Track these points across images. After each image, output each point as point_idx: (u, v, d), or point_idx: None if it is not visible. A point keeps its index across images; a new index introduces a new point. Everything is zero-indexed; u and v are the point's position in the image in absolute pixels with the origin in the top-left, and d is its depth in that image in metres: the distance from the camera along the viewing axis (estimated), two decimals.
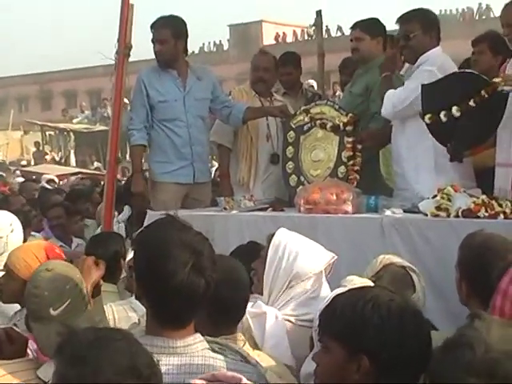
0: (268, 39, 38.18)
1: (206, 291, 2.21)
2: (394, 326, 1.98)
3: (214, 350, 2.29)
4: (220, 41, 42.15)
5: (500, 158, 4.55)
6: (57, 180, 13.43)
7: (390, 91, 4.81)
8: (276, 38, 38.70)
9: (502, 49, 5.18)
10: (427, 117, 4.46)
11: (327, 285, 3.31)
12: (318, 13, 7.25)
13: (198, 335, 2.26)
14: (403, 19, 4.89)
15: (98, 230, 6.15)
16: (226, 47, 41.02)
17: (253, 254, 3.55)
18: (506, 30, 4.56)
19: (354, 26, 5.48)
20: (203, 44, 42.33)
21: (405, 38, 4.83)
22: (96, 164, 19.73)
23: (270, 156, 5.72)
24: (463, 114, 4.34)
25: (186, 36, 5.65)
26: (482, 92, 4.26)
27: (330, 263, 3.31)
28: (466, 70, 4.48)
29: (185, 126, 5.51)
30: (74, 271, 2.75)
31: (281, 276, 3.15)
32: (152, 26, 5.55)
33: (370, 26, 5.45)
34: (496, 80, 4.24)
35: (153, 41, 5.54)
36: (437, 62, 4.71)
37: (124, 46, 5.52)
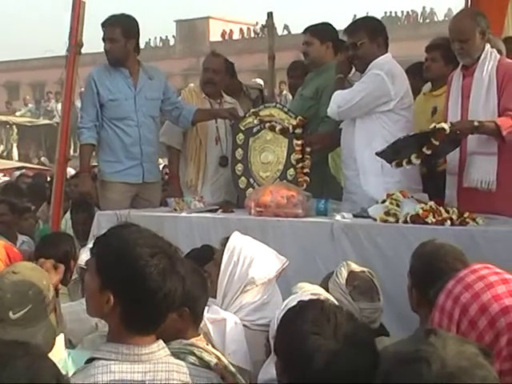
0: (215, 36, 38.12)
1: (179, 296, 2.21)
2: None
3: (175, 356, 2.29)
4: (166, 36, 41.94)
5: (448, 165, 4.70)
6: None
7: (338, 91, 4.88)
8: (223, 35, 38.66)
9: (455, 58, 5.28)
10: (393, 163, 4.52)
11: (278, 289, 3.35)
12: (270, 14, 7.29)
13: (161, 341, 2.25)
14: (350, 29, 4.97)
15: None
16: (172, 43, 40.82)
17: (206, 257, 3.58)
18: (457, 45, 4.65)
19: (305, 31, 5.54)
20: (149, 39, 42.04)
21: (353, 47, 4.91)
22: (43, 159, 19.44)
23: (219, 158, 5.73)
24: (422, 160, 4.47)
25: (138, 35, 5.62)
26: (433, 140, 4.34)
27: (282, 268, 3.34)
28: (411, 134, 4.54)
29: (135, 125, 5.49)
30: (40, 276, 2.72)
31: (235, 281, 3.16)
32: (103, 25, 5.51)
33: (320, 31, 5.51)
34: (444, 126, 4.33)
35: (103, 39, 5.50)
36: (384, 67, 4.78)
37: (75, 43, 5.46)
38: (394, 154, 4.47)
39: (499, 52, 5.11)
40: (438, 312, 2.09)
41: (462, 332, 1.99)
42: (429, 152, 4.40)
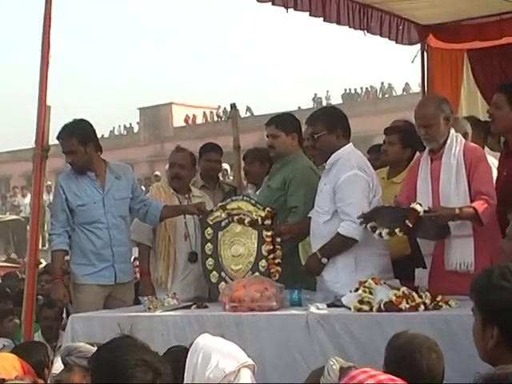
0: (178, 121, 38.49)
1: None
2: None
3: None
4: (130, 124, 42.27)
5: (422, 249, 4.77)
6: None
7: (347, 223, 4.81)
8: (186, 120, 39.05)
9: (412, 141, 5.41)
10: (385, 232, 4.61)
11: None
12: (233, 106, 7.37)
13: None
14: (309, 120, 5.09)
15: None
16: (136, 130, 41.11)
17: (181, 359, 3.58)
18: (422, 131, 4.79)
19: (269, 123, 5.59)
20: (113, 128, 42.36)
21: (312, 138, 5.02)
22: (12, 255, 19.24)
23: (188, 254, 5.76)
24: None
25: (95, 136, 5.67)
26: (406, 221, 4.45)
27: (246, 365, 3.29)
28: (386, 206, 4.72)
29: (105, 227, 5.51)
30: None
31: (197, 381, 3.15)
32: (58, 138, 5.55)
33: (285, 123, 5.57)
34: (417, 208, 4.45)
35: (63, 152, 5.55)
36: (353, 164, 4.89)
37: (41, 148, 5.50)
38: (372, 220, 4.61)
39: (465, 134, 5.31)
40: None
41: None
42: (401, 234, 4.53)
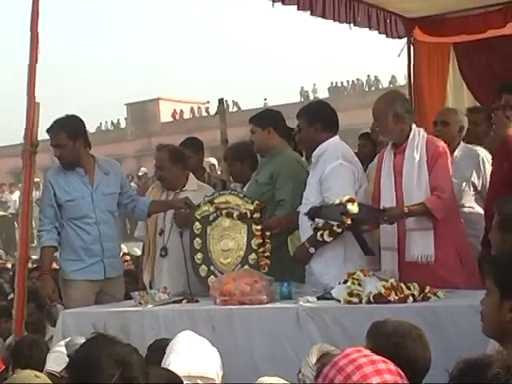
0: (165, 116, 38.48)
1: None
2: None
3: None
4: (118, 119, 42.21)
5: (385, 242, 4.87)
6: None
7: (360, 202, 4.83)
8: (173, 115, 39.03)
9: None
10: (326, 234, 4.80)
11: None
12: (221, 100, 7.39)
13: None
14: (296, 115, 5.29)
15: None
16: (123, 125, 41.05)
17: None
18: (374, 125, 5.04)
19: (250, 120, 5.71)
20: (100, 123, 42.32)
21: (298, 130, 5.30)
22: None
23: (160, 250, 5.81)
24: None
25: (84, 132, 5.68)
26: (343, 220, 4.62)
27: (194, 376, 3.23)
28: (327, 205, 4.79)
29: (94, 222, 5.52)
30: None
31: None
32: (48, 131, 5.56)
33: (260, 119, 5.68)
34: (353, 210, 4.57)
35: (52, 145, 5.55)
36: (338, 155, 4.99)
37: (30, 143, 5.50)
38: (317, 216, 4.77)
39: (461, 128, 5.38)
40: None
41: None
42: (339, 230, 4.73)
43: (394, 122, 4.84)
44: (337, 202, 4.64)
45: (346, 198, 4.61)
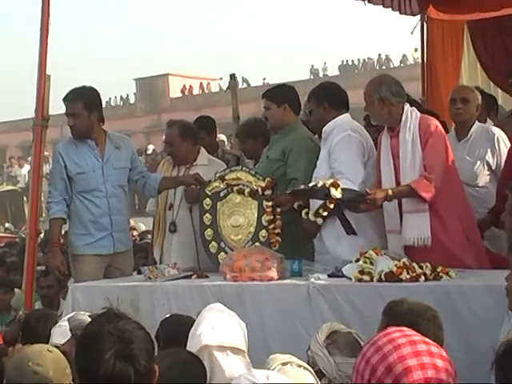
0: (175, 92, 38.32)
1: (139, 380, 2.20)
2: None
3: None
4: (127, 95, 42.08)
5: (389, 225, 4.81)
6: None
7: (342, 181, 4.81)
8: (182, 91, 38.89)
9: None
10: (311, 214, 4.81)
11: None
12: (232, 76, 7.34)
13: None
14: (307, 97, 5.28)
15: None
16: (132, 101, 40.95)
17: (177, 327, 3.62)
18: (366, 109, 4.97)
19: (263, 96, 5.63)
20: (110, 98, 42.13)
21: (309, 113, 5.32)
22: (7, 225, 19.25)
23: (169, 224, 5.78)
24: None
25: (100, 106, 5.67)
26: (327, 203, 4.66)
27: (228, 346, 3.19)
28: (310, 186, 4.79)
29: (104, 196, 5.50)
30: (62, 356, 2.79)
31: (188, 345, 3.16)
32: (64, 100, 5.54)
33: (275, 95, 5.58)
34: (335, 195, 4.59)
35: (66, 114, 5.53)
36: (346, 127, 5.00)
37: (42, 117, 5.48)
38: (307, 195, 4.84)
39: (478, 106, 5.32)
40: (354, 372, 2.29)
41: None
42: (325, 214, 4.72)
43: (380, 105, 4.81)
44: (320, 183, 4.63)
45: (330, 181, 4.61)
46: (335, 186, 4.59)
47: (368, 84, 4.96)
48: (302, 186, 4.83)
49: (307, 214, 4.83)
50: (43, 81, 5.43)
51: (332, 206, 4.64)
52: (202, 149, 5.94)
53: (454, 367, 2.22)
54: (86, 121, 5.50)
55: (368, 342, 2.30)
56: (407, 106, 4.85)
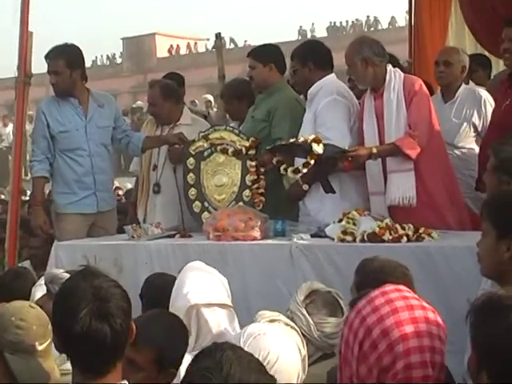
0: (162, 52, 38.02)
1: (115, 339, 2.19)
2: None
3: None
4: (114, 54, 41.71)
5: (372, 187, 4.78)
6: None
7: (326, 142, 4.74)
8: (169, 51, 38.59)
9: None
10: (290, 170, 4.77)
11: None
12: (218, 35, 7.26)
13: (125, 382, 2.26)
14: (291, 56, 5.20)
15: None
16: (119, 60, 40.61)
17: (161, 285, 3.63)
18: (348, 72, 4.96)
19: (249, 54, 5.57)
20: (96, 57, 41.78)
21: (293, 73, 5.18)
22: None
23: (153, 185, 5.77)
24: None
25: (83, 63, 5.61)
26: (308, 158, 4.57)
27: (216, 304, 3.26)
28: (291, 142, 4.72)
29: (87, 154, 5.47)
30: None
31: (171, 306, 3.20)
32: (46, 57, 5.47)
33: (261, 54, 5.52)
34: (317, 150, 4.52)
35: (48, 72, 5.46)
36: (332, 90, 4.93)
37: (24, 74, 5.42)
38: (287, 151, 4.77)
39: (463, 67, 5.29)
40: (346, 328, 2.23)
41: (364, 352, 2.13)
42: (305, 170, 4.65)
43: (364, 66, 4.76)
44: (301, 139, 4.60)
45: (312, 137, 4.56)
46: (317, 141, 4.53)
47: (348, 46, 4.90)
48: (283, 142, 4.78)
49: (286, 169, 4.78)
50: (25, 37, 5.38)
51: (313, 161, 4.56)
52: (186, 108, 5.91)
53: (445, 332, 2.20)
54: (68, 79, 5.44)
55: (365, 298, 2.22)
56: (390, 67, 4.82)
